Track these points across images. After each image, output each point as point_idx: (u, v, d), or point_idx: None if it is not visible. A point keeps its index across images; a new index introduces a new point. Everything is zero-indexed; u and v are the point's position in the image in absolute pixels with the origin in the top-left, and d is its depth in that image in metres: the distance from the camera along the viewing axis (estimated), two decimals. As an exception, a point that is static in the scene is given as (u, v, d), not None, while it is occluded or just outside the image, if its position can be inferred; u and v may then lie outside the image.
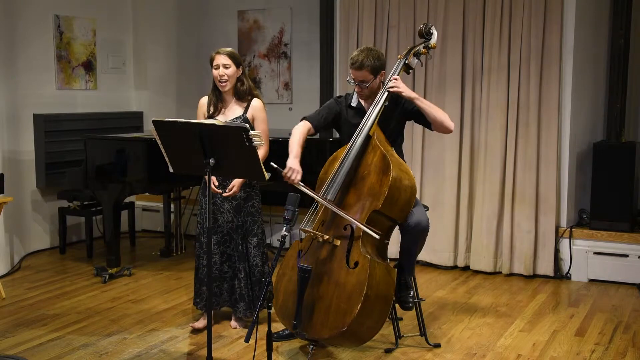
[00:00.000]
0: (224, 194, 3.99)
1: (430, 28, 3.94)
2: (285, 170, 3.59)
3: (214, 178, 3.96)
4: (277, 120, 6.49)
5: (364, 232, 3.51)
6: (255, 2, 6.80)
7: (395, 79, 3.75)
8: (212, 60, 4.01)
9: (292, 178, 3.58)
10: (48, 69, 6.12)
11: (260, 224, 4.16)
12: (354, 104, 3.93)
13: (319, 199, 3.57)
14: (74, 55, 6.32)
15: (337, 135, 4.17)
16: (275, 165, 3.48)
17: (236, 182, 3.99)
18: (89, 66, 6.47)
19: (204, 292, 4.11)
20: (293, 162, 3.63)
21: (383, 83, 3.85)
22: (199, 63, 6.92)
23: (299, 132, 3.81)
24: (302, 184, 3.56)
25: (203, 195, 4.14)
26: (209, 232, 3.38)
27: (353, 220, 3.51)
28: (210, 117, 4.04)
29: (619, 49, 5.46)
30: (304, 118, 3.94)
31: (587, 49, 5.41)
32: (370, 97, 3.84)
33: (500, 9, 5.28)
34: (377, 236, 3.46)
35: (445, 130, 3.78)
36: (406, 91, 3.75)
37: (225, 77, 3.97)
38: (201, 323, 4.14)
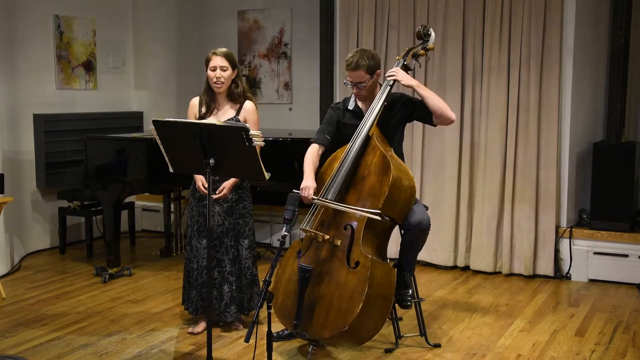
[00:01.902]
0: (214, 196, 3.92)
1: (428, 30, 3.94)
2: (301, 192, 3.65)
3: (204, 179, 3.92)
4: (277, 120, 6.50)
5: (364, 231, 3.52)
6: (255, 2, 6.80)
7: (394, 70, 3.77)
8: (208, 60, 3.96)
9: (305, 195, 3.63)
10: (48, 69, 6.12)
11: (251, 225, 4.12)
12: (351, 107, 3.93)
13: (333, 205, 3.58)
14: (74, 55, 6.32)
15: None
16: (295, 192, 3.54)
17: (227, 184, 3.94)
18: (89, 66, 6.47)
19: (194, 297, 4.08)
20: (304, 182, 3.70)
21: (380, 85, 3.85)
22: (199, 63, 6.84)
23: (309, 157, 3.86)
24: (316, 198, 3.62)
25: (193, 197, 4.10)
26: (208, 233, 3.38)
27: (356, 209, 3.53)
28: (202, 118, 4.00)
29: (619, 49, 5.46)
30: (311, 141, 3.95)
31: (587, 49, 5.41)
32: (368, 98, 3.84)
33: (500, 9, 5.28)
34: (379, 218, 3.46)
35: (446, 120, 3.78)
36: (404, 79, 3.76)
37: (222, 80, 3.93)
38: (199, 327, 4.10)
